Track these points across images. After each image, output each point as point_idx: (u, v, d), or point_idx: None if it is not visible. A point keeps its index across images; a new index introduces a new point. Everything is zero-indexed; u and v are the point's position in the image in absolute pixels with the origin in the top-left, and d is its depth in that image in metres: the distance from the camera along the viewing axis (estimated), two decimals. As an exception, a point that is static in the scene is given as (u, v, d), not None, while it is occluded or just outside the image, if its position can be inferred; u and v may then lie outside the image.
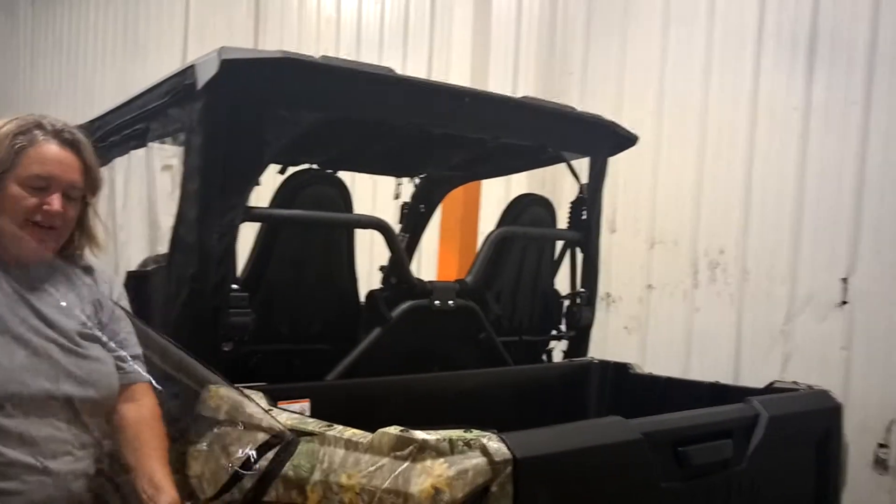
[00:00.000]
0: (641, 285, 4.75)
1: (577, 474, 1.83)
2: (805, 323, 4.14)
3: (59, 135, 1.92)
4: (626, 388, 3.11)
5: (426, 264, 5.27)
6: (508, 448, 1.69)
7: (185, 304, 2.27)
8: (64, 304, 1.98)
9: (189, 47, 8.43)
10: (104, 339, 2.01)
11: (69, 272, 2.03)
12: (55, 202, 1.89)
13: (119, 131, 2.80)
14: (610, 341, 4.74)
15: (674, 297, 4.58)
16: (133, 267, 2.61)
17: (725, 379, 3.33)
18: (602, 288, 4.85)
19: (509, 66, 5.42)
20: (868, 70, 3.97)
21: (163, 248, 2.55)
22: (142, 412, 2.00)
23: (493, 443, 1.69)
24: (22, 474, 1.78)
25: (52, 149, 1.90)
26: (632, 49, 4.86)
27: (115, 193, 3.32)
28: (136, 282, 2.43)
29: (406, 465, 1.71)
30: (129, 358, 2.07)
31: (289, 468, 1.93)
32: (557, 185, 4.89)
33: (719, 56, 4.46)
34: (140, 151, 2.89)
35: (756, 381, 2.91)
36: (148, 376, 2.07)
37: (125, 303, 2.13)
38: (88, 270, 2.08)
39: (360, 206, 2.91)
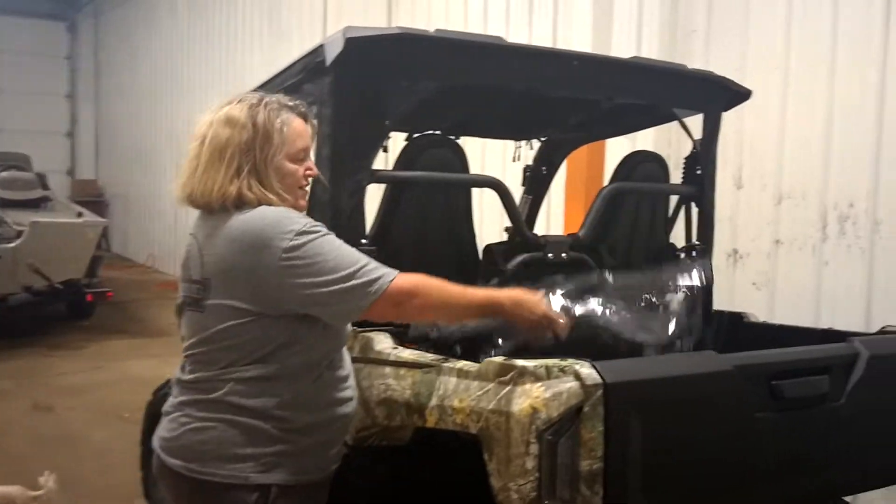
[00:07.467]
0: (769, 241, 4.72)
1: (667, 401, 1.98)
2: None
3: (298, 109, 2.21)
4: (740, 336, 3.18)
5: (555, 225, 5.43)
6: (599, 374, 1.87)
7: (321, 256, 2.56)
8: None
9: (328, 29, 8.88)
10: None
11: None
12: (314, 167, 2.22)
13: (263, 108, 3.12)
14: (738, 297, 4.74)
15: (802, 251, 4.54)
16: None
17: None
18: (729, 244, 4.88)
19: (633, 30, 5.44)
20: None
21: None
22: None
23: (585, 369, 1.88)
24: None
25: (302, 123, 2.19)
26: (756, 4, 4.80)
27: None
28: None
29: (508, 388, 1.93)
30: None
31: (411, 396, 2.20)
32: (683, 143, 4.91)
33: (848, 7, 4.35)
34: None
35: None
36: None
37: None
38: None
39: (489, 171, 3.09)
